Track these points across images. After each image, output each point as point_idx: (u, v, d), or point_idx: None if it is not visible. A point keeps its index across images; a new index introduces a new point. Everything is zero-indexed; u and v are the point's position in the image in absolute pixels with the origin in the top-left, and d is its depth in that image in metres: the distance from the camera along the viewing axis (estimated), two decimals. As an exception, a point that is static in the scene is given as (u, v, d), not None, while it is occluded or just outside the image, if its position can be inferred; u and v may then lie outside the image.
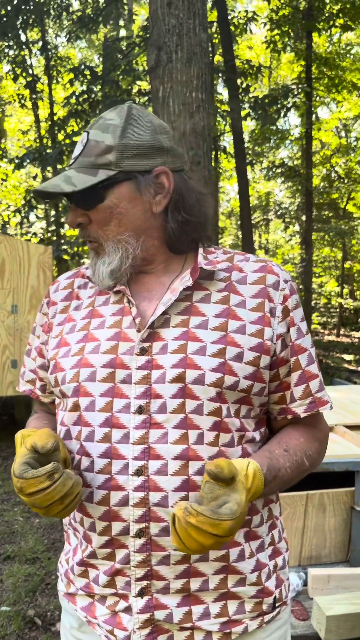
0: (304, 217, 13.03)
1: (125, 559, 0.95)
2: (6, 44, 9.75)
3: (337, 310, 18.08)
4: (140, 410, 0.94)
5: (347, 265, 17.87)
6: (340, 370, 10.10)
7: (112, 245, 1.00)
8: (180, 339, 0.96)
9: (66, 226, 12.47)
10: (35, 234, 12.21)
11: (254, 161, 12.07)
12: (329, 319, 19.21)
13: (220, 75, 9.31)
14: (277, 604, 1.04)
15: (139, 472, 0.93)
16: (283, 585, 1.07)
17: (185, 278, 1.01)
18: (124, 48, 9.32)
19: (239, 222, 13.61)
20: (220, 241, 17.68)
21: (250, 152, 11.87)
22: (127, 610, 0.96)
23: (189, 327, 0.97)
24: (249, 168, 10.62)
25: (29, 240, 11.21)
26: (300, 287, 12.27)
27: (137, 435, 0.94)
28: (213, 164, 12.27)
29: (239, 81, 9.33)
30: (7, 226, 12.83)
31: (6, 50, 10.01)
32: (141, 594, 0.95)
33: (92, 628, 1.02)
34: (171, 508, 0.92)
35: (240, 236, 10.96)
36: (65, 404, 1.02)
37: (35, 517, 3.80)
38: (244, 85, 9.54)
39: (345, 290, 18.90)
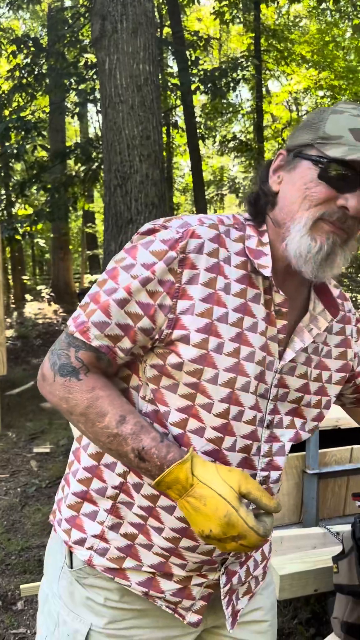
0: (257, 192, 13.06)
1: (222, 553, 1.00)
2: None
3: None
4: (269, 425, 0.98)
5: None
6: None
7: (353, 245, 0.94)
8: (306, 364, 1.02)
9: (17, 205, 12.12)
10: (-16, 213, 11.80)
11: (205, 136, 11.97)
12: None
13: (169, 47, 9.14)
14: None
15: (262, 482, 0.99)
16: None
17: (320, 307, 1.01)
18: (69, 18, 9.02)
19: (193, 198, 13.57)
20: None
21: (202, 126, 11.78)
22: (199, 584, 1.02)
23: (318, 354, 1.05)
24: (201, 143, 10.54)
25: (-22, 220, 10.85)
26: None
27: (266, 448, 0.99)
28: (165, 139, 12.12)
29: (188, 53, 9.19)
30: None
31: None
32: (225, 572, 1.03)
33: (151, 601, 1.02)
34: None
35: (195, 212, 10.92)
36: (197, 399, 0.92)
37: (-7, 500, 3.76)
38: (193, 57, 9.41)
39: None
